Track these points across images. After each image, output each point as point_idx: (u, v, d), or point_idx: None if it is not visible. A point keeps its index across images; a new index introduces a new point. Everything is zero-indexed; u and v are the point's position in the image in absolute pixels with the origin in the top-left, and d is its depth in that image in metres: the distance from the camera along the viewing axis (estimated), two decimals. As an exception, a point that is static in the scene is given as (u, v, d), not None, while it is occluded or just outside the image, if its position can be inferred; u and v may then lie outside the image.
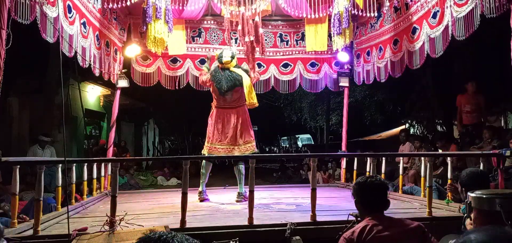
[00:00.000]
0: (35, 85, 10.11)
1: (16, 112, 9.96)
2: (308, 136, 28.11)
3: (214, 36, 7.37)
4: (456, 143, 7.53)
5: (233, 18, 5.49)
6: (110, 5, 5.15)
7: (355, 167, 6.67)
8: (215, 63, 5.79)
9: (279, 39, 7.58)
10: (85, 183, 5.58)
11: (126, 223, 3.78)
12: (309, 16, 6.02)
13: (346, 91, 7.82)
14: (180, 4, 5.82)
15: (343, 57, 7.30)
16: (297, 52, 7.62)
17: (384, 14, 6.38)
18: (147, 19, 5.14)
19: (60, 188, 4.53)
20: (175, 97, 12.97)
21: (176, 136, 22.98)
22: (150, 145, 20.64)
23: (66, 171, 4.57)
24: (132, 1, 5.06)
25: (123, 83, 6.89)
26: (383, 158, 6.09)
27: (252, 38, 5.46)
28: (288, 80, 7.65)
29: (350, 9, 5.34)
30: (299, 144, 26.96)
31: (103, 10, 5.65)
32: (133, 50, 6.89)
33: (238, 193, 5.60)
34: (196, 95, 6.28)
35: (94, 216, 4.63)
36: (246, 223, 3.87)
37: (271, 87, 7.75)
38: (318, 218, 3.95)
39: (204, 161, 5.73)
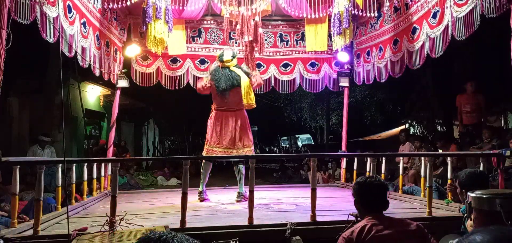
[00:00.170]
0: (35, 85, 10.11)
1: (16, 112, 9.97)
2: (308, 136, 28.08)
3: (214, 36, 7.37)
4: (456, 143, 7.53)
5: (233, 18, 5.49)
6: (110, 5, 5.14)
7: (355, 167, 6.67)
8: (216, 62, 5.79)
9: (279, 39, 7.58)
10: (85, 183, 5.57)
11: (126, 223, 3.77)
12: (309, 16, 6.02)
13: (346, 91, 7.82)
14: (180, 4, 5.83)
15: (343, 57, 7.30)
16: (297, 52, 7.61)
17: (384, 14, 6.38)
18: (147, 19, 5.13)
19: (60, 188, 4.53)
20: (175, 97, 12.95)
21: (176, 136, 22.98)
22: (150, 145, 20.63)
23: (66, 171, 4.57)
24: (132, 1, 5.06)
25: (123, 83, 6.89)
26: (383, 158, 6.10)
27: (250, 38, 5.47)
28: (288, 80, 7.65)
29: (350, 9, 5.33)
30: (299, 144, 26.88)
31: (103, 10, 5.65)
32: (133, 50, 6.89)
33: (238, 193, 5.60)
34: (196, 95, 6.27)
35: (94, 216, 4.62)
36: (246, 223, 3.87)
37: (271, 87, 7.75)
38: (318, 218, 3.95)
39: (203, 161, 5.73)
